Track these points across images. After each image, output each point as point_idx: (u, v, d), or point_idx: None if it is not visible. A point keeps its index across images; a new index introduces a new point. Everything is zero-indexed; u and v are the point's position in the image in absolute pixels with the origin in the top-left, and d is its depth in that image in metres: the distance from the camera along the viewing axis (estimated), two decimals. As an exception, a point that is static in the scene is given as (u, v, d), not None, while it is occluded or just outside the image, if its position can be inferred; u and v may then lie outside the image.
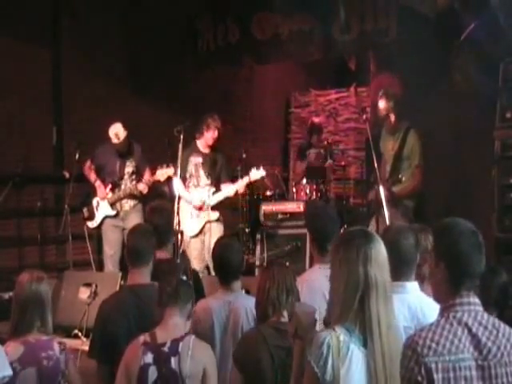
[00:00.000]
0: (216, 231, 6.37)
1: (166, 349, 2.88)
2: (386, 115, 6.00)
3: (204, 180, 6.48)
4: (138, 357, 2.88)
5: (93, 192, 6.63)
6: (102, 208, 6.57)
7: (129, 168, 6.60)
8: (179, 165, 6.20)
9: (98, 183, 6.57)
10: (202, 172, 6.48)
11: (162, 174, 6.27)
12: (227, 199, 6.59)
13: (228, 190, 6.46)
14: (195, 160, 6.47)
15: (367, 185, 6.87)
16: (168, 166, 6.27)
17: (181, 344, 2.90)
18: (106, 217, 6.56)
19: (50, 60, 7.71)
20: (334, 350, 2.15)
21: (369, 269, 2.24)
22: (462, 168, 6.53)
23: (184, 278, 3.19)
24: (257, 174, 6.43)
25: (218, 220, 6.48)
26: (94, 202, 6.60)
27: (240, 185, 6.46)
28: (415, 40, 6.24)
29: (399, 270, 2.96)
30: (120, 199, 6.55)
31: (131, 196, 6.55)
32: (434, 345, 2.09)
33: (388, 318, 2.24)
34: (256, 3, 7.57)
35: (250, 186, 6.87)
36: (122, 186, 6.56)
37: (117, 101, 7.85)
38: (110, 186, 6.55)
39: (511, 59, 5.65)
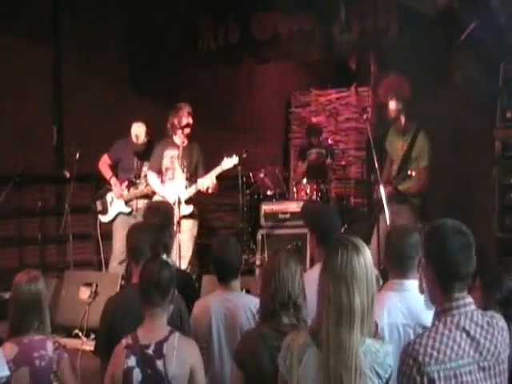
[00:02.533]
0: (187, 228, 6.08)
1: (150, 351, 2.85)
2: (395, 117, 5.98)
3: (179, 173, 6.22)
4: (121, 361, 2.86)
5: (107, 186, 6.61)
6: (116, 204, 6.53)
7: (146, 168, 6.54)
8: (180, 165, 6.19)
9: (113, 181, 6.54)
10: (177, 165, 6.23)
11: None
12: (202, 194, 6.29)
13: (201, 182, 6.16)
14: (171, 153, 6.26)
15: (369, 184, 6.87)
16: None
17: (165, 345, 2.86)
18: (120, 213, 6.52)
19: (50, 60, 7.70)
20: (293, 350, 2.35)
21: (325, 286, 2.34)
22: (462, 168, 6.53)
23: (164, 275, 3.01)
24: (229, 162, 6.14)
25: (191, 216, 6.19)
26: (109, 197, 6.57)
27: (212, 175, 6.12)
28: (415, 40, 6.24)
29: (399, 268, 3.02)
30: (136, 198, 6.49)
31: (145, 196, 6.51)
32: (435, 353, 2.09)
33: (340, 337, 2.26)
34: (256, 3, 7.56)
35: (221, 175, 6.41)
36: (140, 186, 6.51)
37: (117, 100, 7.85)
38: (125, 183, 6.52)
39: (511, 59, 5.65)
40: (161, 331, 2.92)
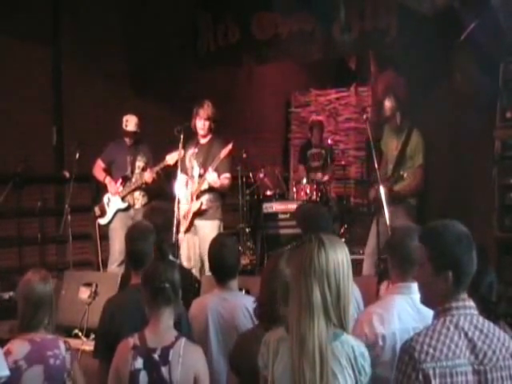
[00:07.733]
0: (207, 231, 6.02)
1: (156, 356, 2.85)
2: (391, 115, 5.99)
3: (197, 170, 6.21)
4: (127, 361, 2.85)
5: (103, 190, 6.64)
6: (113, 203, 6.55)
7: (140, 162, 6.61)
8: (179, 165, 6.18)
9: (107, 179, 6.57)
10: (194, 162, 6.24)
11: (172, 157, 6.22)
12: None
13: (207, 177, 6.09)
14: (190, 151, 6.28)
15: (367, 184, 6.87)
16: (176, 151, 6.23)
17: (171, 352, 2.85)
18: (118, 211, 6.53)
19: (50, 60, 7.70)
20: (270, 346, 2.41)
21: (290, 280, 2.40)
22: (462, 168, 6.52)
23: (170, 278, 3.02)
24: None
25: (207, 217, 6.12)
26: (105, 198, 6.59)
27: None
28: (415, 40, 6.23)
29: (405, 270, 2.95)
30: (131, 191, 6.53)
31: (141, 189, 6.54)
32: (431, 350, 2.09)
33: (301, 330, 2.29)
34: (256, 3, 7.57)
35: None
36: (133, 180, 6.55)
37: (117, 100, 7.85)
38: (120, 180, 6.54)
39: (511, 59, 5.65)
40: (168, 335, 2.91)
